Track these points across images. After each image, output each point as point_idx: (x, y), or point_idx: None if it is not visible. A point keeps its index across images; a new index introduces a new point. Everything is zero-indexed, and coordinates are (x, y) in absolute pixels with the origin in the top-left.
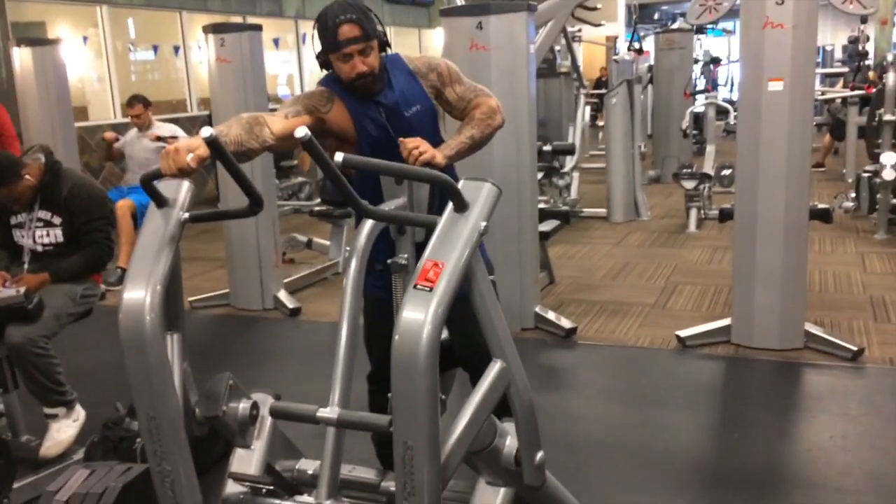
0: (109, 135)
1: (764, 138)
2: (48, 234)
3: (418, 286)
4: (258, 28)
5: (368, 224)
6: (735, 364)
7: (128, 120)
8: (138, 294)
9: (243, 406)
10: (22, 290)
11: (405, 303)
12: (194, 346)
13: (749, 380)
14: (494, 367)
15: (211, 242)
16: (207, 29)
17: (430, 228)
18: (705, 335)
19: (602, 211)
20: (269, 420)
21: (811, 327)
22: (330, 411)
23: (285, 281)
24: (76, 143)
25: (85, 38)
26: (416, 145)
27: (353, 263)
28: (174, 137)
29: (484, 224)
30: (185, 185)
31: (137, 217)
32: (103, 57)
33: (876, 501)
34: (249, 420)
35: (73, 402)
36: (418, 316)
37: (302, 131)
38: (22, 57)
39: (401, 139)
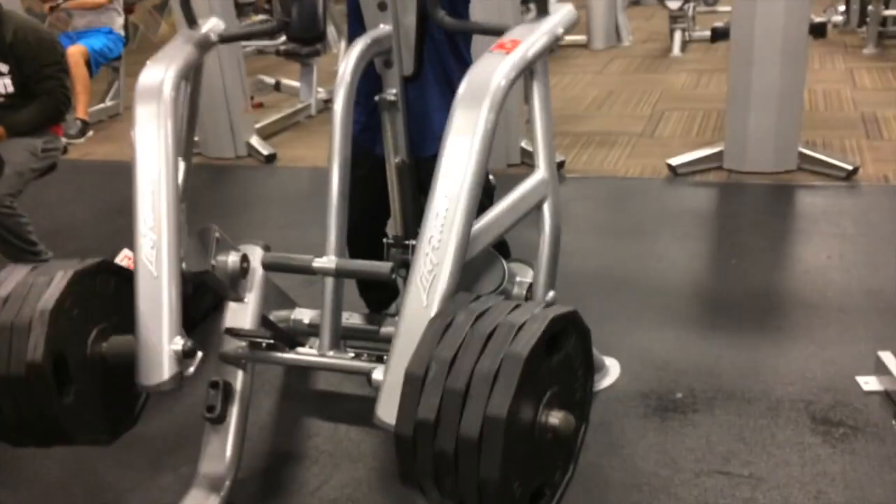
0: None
1: None
2: None
3: (494, 51)
4: None
5: (354, 55)
6: (728, 190)
7: None
8: (157, 73)
9: (233, 259)
10: None
11: (476, 62)
12: None
13: (743, 205)
14: (536, 175)
15: None
16: None
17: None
18: (697, 162)
19: (582, 38)
20: (260, 272)
21: (805, 148)
22: (327, 261)
23: (257, 126)
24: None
25: None
26: None
27: (340, 99)
28: None
29: (561, 30)
30: (219, 20)
31: (92, 65)
32: None
33: (875, 319)
34: (240, 273)
35: (49, 261)
36: (490, 69)
37: None
38: None
39: None
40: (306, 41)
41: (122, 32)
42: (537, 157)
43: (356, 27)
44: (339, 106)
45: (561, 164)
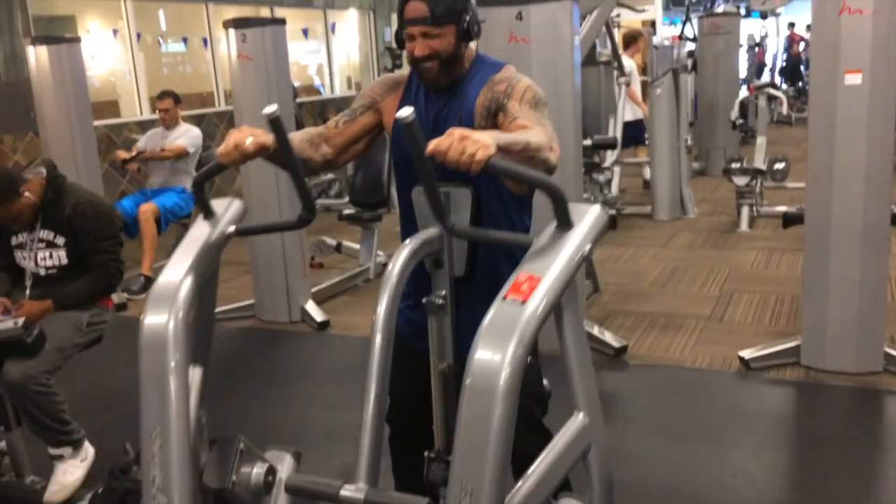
0: (121, 153)
1: (840, 136)
2: (51, 256)
3: (508, 298)
4: (281, 22)
5: (402, 256)
6: (807, 390)
7: (154, 116)
8: (161, 317)
9: (257, 472)
10: (20, 321)
11: (489, 316)
12: (216, 363)
13: (825, 410)
14: (575, 422)
15: (239, 244)
16: (228, 24)
17: (522, 248)
18: (771, 356)
19: (646, 208)
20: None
21: (890, 348)
22: (356, 490)
23: (314, 290)
24: (95, 143)
25: (115, 32)
26: (460, 148)
27: (384, 302)
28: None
29: (589, 247)
30: (238, 203)
31: (161, 222)
32: (117, 51)
33: None
34: (264, 488)
35: (80, 440)
36: (503, 331)
37: (408, 111)
38: (38, 55)
39: (433, 142)
40: (370, 206)
41: None
42: (575, 399)
43: (409, 227)
44: (382, 309)
45: (623, 350)
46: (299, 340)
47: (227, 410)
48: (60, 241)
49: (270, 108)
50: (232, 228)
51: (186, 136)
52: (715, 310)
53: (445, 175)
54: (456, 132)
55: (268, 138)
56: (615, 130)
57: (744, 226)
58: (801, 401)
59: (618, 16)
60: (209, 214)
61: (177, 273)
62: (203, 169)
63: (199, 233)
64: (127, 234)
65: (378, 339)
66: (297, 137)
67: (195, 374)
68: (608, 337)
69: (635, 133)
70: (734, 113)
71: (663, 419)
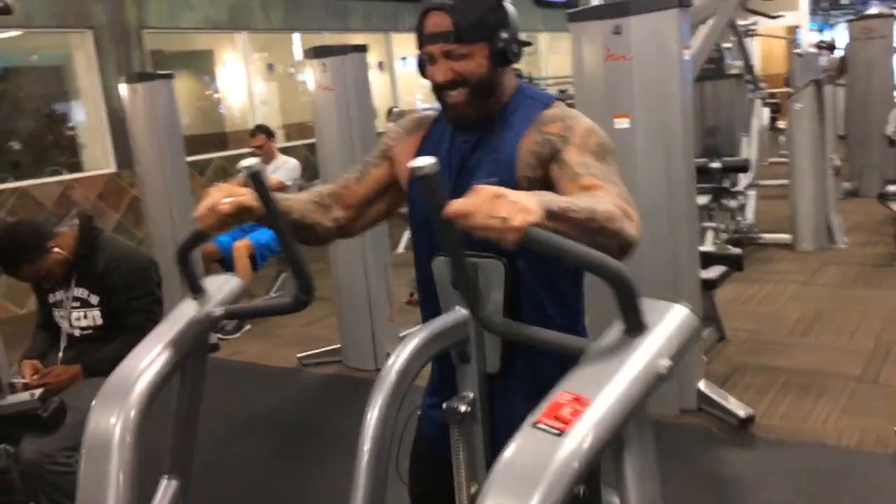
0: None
1: None
2: (86, 317)
3: (540, 424)
4: (362, 49)
5: (407, 350)
6: None
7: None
8: (107, 417)
9: None
10: (38, 392)
11: (507, 451)
12: (295, 411)
13: None
14: None
15: (330, 279)
16: (309, 53)
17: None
18: None
19: (786, 237)
20: None
21: None
22: None
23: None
24: (188, 180)
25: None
26: (489, 210)
27: (375, 409)
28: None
29: (666, 364)
30: (237, 282)
31: (257, 258)
32: (246, 82)
33: None
34: None
35: None
36: (524, 480)
37: (426, 160)
38: (131, 93)
39: (455, 203)
40: None
41: None
42: None
43: (430, 305)
44: (372, 416)
45: (750, 420)
46: None
47: (281, 473)
48: (94, 299)
49: (248, 162)
50: (220, 311)
51: (283, 168)
52: (868, 368)
53: (472, 242)
54: (485, 190)
55: (251, 198)
56: (748, 151)
57: None
58: None
59: (753, 23)
60: (198, 292)
61: (138, 362)
62: (184, 239)
63: (180, 314)
64: (225, 268)
65: (364, 456)
66: (301, 199)
67: (168, 487)
68: (732, 404)
69: None
70: (890, 127)
71: None
